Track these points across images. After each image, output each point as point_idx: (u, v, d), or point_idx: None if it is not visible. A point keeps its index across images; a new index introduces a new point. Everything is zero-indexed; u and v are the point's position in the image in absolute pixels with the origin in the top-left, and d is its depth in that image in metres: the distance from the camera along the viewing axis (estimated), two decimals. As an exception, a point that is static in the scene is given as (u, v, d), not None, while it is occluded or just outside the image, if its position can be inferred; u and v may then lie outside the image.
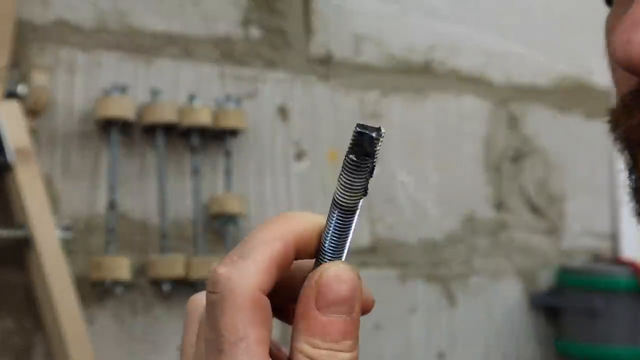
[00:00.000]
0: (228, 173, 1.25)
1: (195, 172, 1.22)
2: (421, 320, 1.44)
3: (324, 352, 0.32)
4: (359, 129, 0.31)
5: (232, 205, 1.23)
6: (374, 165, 0.31)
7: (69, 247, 1.10)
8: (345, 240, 0.33)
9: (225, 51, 1.28)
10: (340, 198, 0.32)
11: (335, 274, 0.32)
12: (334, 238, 0.33)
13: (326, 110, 1.37)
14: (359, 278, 0.33)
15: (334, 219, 0.32)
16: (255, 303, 0.31)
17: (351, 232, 0.33)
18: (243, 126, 1.25)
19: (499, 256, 1.54)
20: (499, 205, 1.55)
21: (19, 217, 1.04)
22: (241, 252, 0.32)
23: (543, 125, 1.62)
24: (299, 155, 1.34)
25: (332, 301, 0.32)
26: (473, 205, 1.52)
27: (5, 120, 1.03)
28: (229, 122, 1.23)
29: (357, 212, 0.32)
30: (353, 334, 0.32)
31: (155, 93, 1.19)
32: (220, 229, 1.25)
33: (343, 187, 0.32)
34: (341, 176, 0.32)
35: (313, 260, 0.34)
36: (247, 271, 0.32)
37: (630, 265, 1.51)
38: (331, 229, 0.33)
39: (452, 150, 1.50)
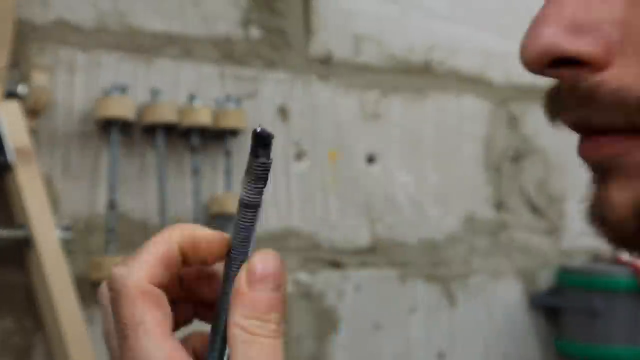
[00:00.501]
0: (228, 173, 1.25)
1: (196, 172, 1.22)
2: (421, 320, 1.44)
3: (255, 322, 0.37)
4: (260, 133, 0.37)
5: (232, 205, 1.23)
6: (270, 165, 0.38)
7: (69, 247, 1.10)
8: (253, 233, 0.39)
9: (225, 51, 1.28)
10: (248, 198, 0.38)
11: (261, 256, 0.38)
12: (242, 232, 0.39)
13: (326, 110, 1.37)
14: (282, 262, 0.39)
15: (241, 216, 0.38)
16: (145, 292, 0.37)
17: (257, 225, 0.39)
18: (243, 126, 1.25)
19: (499, 256, 1.54)
20: (499, 205, 1.55)
21: (19, 217, 1.04)
22: (133, 255, 0.38)
23: (543, 125, 1.62)
24: (299, 155, 1.34)
25: (259, 277, 0.38)
26: (473, 205, 1.52)
27: (6, 120, 1.03)
28: (229, 122, 1.23)
29: (261, 207, 0.38)
30: (280, 308, 0.38)
31: (155, 93, 1.19)
32: (220, 229, 1.24)
33: (249, 188, 0.37)
34: (248, 178, 0.37)
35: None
36: (136, 268, 0.38)
37: (630, 265, 1.51)
38: (240, 225, 0.38)
39: (452, 150, 1.50)
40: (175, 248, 0.39)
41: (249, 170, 0.37)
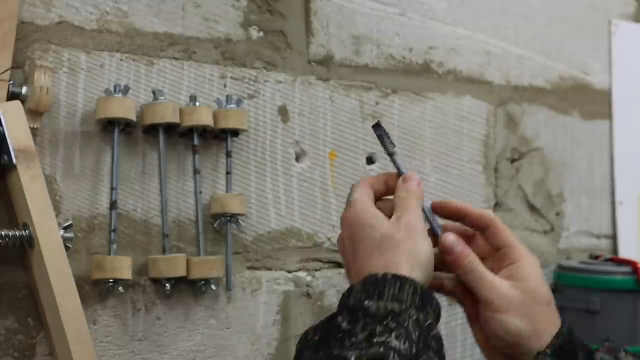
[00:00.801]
0: (229, 173, 1.26)
1: (196, 172, 1.23)
2: (420, 320, 1.45)
3: (405, 193, 0.87)
4: (377, 125, 0.93)
5: (233, 205, 1.23)
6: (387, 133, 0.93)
7: (71, 247, 1.11)
8: (401, 165, 0.91)
9: (226, 52, 1.29)
10: (394, 149, 0.92)
11: (409, 172, 0.90)
12: (397, 168, 0.91)
13: (326, 110, 1.38)
14: (419, 178, 0.89)
15: (394, 161, 0.91)
16: (366, 186, 0.89)
17: (401, 162, 0.91)
18: (244, 126, 1.26)
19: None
20: (498, 205, 1.56)
21: (22, 217, 1.05)
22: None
23: (541, 125, 1.63)
24: (299, 155, 1.35)
25: (407, 178, 0.88)
26: (472, 205, 1.52)
27: (8, 120, 1.04)
28: (229, 123, 1.24)
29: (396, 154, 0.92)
30: (419, 193, 0.87)
31: (156, 94, 1.19)
32: (221, 228, 1.25)
33: (390, 145, 0.92)
34: (388, 142, 0.92)
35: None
36: (365, 180, 0.91)
37: (628, 264, 1.52)
38: (396, 165, 0.90)
39: (451, 151, 1.51)
40: (381, 180, 0.91)
41: (385, 141, 0.92)
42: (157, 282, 1.20)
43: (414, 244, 0.82)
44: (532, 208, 1.61)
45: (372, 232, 0.83)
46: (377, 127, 0.92)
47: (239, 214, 1.25)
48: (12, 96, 1.07)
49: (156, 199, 1.21)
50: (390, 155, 0.90)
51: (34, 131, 1.09)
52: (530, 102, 1.62)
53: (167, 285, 1.19)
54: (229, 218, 1.24)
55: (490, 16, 1.57)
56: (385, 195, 0.90)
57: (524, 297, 0.88)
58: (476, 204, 1.53)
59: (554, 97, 1.66)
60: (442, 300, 1.48)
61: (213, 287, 1.23)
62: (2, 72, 1.05)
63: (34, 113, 1.08)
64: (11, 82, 1.07)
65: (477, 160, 1.54)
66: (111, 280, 1.14)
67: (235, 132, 1.26)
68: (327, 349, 0.74)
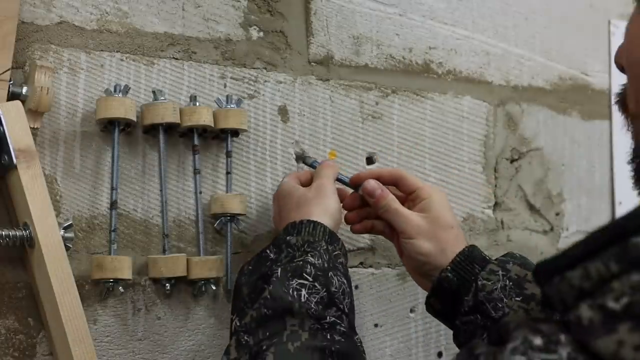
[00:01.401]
0: (229, 173, 1.26)
1: (196, 172, 1.23)
2: (420, 320, 1.45)
3: (319, 169, 1.17)
4: (300, 155, 1.30)
5: (233, 205, 1.24)
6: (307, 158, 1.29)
7: (71, 247, 1.11)
8: (317, 164, 1.24)
9: (226, 52, 1.29)
10: (312, 159, 1.27)
11: (322, 162, 1.23)
12: (315, 166, 1.25)
13: (326, 110, 1.38)
14: (333, 165, 1.19)
15: (313, 163, 1.26)
16: (292, 174, 1.19)
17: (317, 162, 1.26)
18: (244, 126, 1.26)
19: (498, 255, 1.55)
20: (497, 205, 1.56)
21: (22, 217, 1.05)
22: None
23: (541, 126, 1.63)
24: (299, 156, 1.35)
25: (323, 162, 1.23)
26: (471, 205, 1.53)
27: (9, 120, 1.04)
28: (229, 123, 1.24)
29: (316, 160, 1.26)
30: (330, 173, 1.16)
31: (156, 94, 1.20)
32: (221, 228, 1.25)
33: (311, 160, 1.27)
34: (308, 160, 1.28)
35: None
36: (295, 173, 1.23)
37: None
38: (314, 166, 1.24)
39: (451, 151, 1.51)
40: (309, 173, 1.18)
41: (306, 159, 1.27)
42: (157, 282, 1.20)
43: (323, 200, 1.06)
44: (532, 208, 1.61)
45: (292, 197, 1.09)
46: (302, 159, 1.29)
47: (239, 214, 1.25)
48: (12, 96, 1.07)
49: (156, 199, 1.21)
50: (311, 164, 1.25)
51: (34, 131, 1.09)
52: (530, 102, 1.62)
53: (167, 285, 1.19)
54: (229, 218, 1.25)
55: (490, 16, 1.58)
56: (310, 184, 1.13)
57: (430, 224, 1.09)
58: (476, 204, 1.53)
59: (554, 97, 1.66)
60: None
61: (213, 287, 1.23)
62: (3, 72, 1.05)
63: (34, 113, 1.08)
64: (11, 82, 1.07)
65: (476, 160, 1.54)
66: (111, 280, 1.15)
67: (235, 132, 1.26)
68: (259, 272, 0.97)
